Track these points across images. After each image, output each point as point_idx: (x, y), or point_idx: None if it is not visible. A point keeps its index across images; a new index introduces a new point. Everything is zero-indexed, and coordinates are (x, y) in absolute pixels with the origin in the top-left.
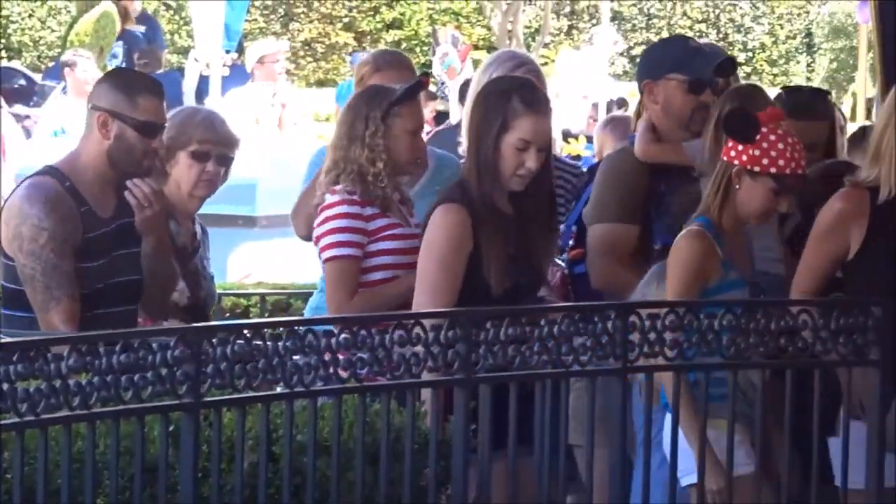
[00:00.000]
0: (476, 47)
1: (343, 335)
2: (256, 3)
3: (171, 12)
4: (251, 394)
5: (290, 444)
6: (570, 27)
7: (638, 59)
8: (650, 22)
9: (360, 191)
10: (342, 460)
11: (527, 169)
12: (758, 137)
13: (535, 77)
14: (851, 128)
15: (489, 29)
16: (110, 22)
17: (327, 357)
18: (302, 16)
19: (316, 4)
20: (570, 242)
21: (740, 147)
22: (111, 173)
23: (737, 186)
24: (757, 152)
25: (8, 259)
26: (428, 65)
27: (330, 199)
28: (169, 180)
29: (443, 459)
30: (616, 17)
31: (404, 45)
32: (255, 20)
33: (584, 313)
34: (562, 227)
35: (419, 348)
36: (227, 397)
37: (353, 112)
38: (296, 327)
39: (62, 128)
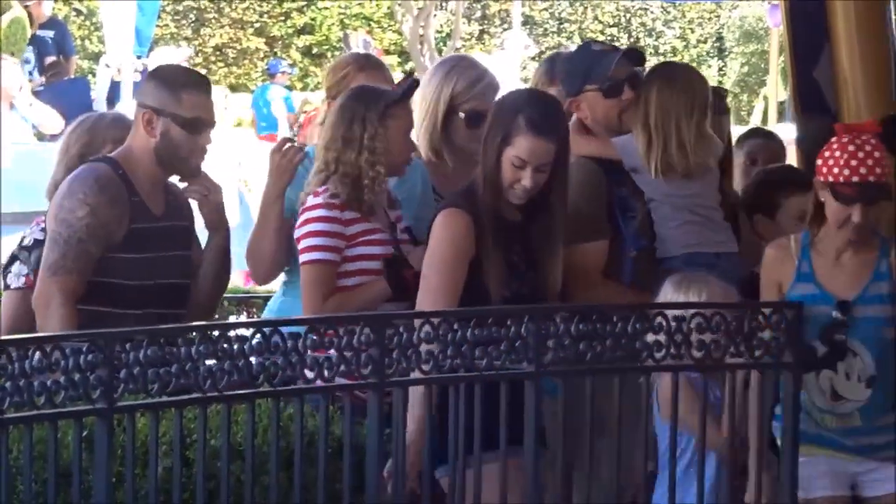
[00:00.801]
0: (387, 52)
1: (256, 340)
2: (167, 9)
3: (82, 18)
4: (165, 398)
5: (204, 449)
6: (482, 32)
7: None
8: (561, 26)
9: (346, 194)
10: (256, 464)
11: (521, 186)
12: (825, 147)
13: (491, 91)
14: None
15: (400, 34)
16: (21, 28)
17: (241, 362)
18: (213, 21)
19: (227, 10)
20: None
21: (818, 159)
22: (160, 172)
23: (821, 199)
24: (820, 162)
25: None
26: None
27: (312, 201)
28: None
29: (358, 464)
30: (527, 21)
31: (315, 50)
32: (167, 25)
33: (498, 317)
34: None
35: (332, 352)
36: (141, 402)
37: (348, 113)
38: (209, 332)
39: None
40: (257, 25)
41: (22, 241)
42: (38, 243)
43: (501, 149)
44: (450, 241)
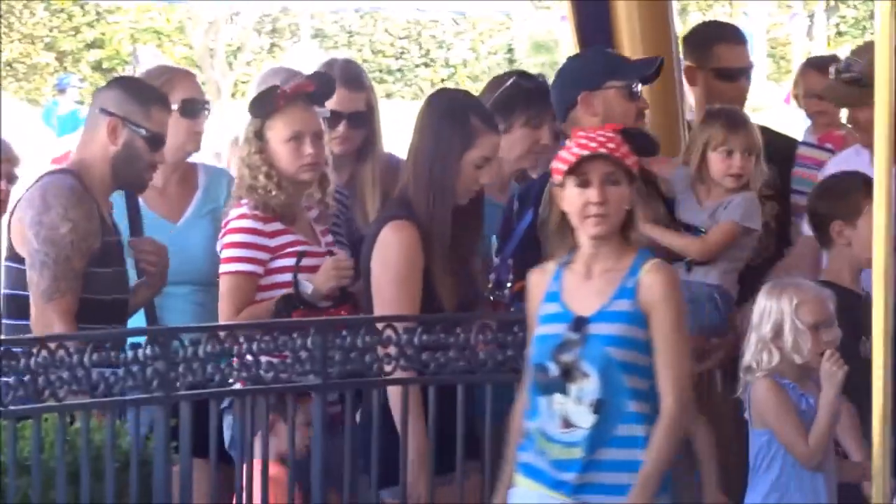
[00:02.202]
0: None
1: (42, 355)
2: None
3: None
4: None
5: None
6: (273, 45)
7: (556, 78)
8: (351, 38)
9: (258, 205)
10: (43, 480)
11: (479, 185)
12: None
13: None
14: None
15: (191, 47)
16: None
17: (26, 377)
18: (3, 35)
19: (16, 24)
20: (510, 276)
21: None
22: (111, 183)
23: (563, 208)
24: (554, 164)
25: (13, 262)
26: None
27: (234, 212)
28: None
29: (146, 477)
30: (317, 34)
31: (106, 64)
32: None
33: (284, 330)
34: (496, 260)
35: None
36: None
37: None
38: None
39: None
40: (47, 40)
41: None
42: None
43: (462, 153)
44: (402, 253)
